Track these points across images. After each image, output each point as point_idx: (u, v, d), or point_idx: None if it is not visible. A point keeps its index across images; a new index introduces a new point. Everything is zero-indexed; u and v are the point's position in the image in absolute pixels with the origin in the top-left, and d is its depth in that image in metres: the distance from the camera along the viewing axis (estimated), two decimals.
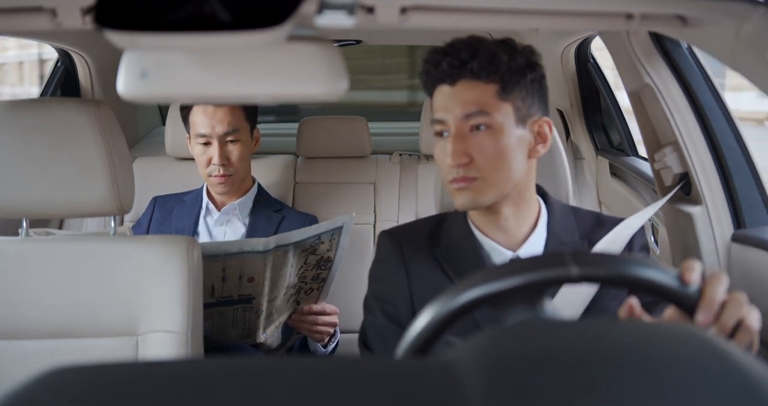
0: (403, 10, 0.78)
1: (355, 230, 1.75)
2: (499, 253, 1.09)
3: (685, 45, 1.38)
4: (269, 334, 1.59)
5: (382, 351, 1.09)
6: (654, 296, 0.66)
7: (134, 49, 0.62)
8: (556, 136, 1.15)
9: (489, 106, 1.01)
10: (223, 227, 1.84)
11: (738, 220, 1.34)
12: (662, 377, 0.33)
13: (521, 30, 2.05)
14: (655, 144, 1.45)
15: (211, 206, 1.85)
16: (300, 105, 3.07)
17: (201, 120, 1.74)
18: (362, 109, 2.60)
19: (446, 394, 0.33)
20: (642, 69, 1.37)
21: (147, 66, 0.62)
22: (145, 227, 1.88)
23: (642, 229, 1.15)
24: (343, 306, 1.73)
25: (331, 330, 1.68)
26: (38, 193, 1.19)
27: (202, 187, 1.89)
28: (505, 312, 0.66)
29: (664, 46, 1.37)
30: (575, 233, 1.11)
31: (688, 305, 0.66)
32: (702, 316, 0.65)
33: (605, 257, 0.67)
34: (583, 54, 2.11)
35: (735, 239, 1.32)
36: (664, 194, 1.42)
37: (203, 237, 1.83)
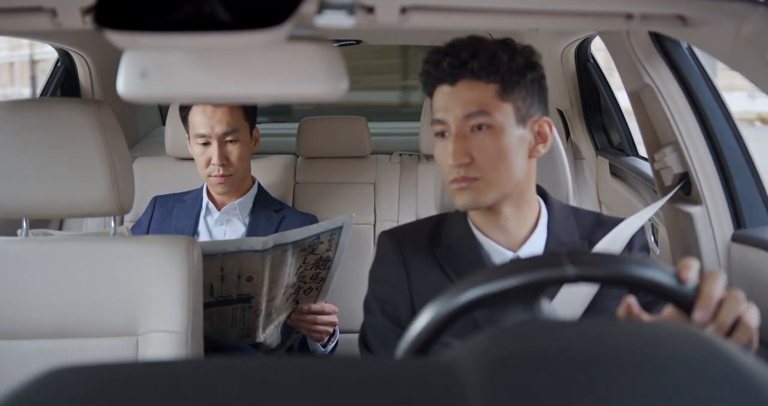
0: (403, 10, 0.78)
1: (355, 230, 1.75)
2: (499, 253, 1.09)
3: (685, 45, 1.38)
4: (269, 334, 1.59)
5: (382, 352, 1.09)
6: (651, 294, 0.66)
7: (134, 49, 0.62)
8: (556, 136, 1.15)
9: (490, 106, 1.01)
10: (224, 226, 1.84)
11: (738, 220, 1.34)
12: (662, 377, 0.33)
13: (521, 30, 2.05)
14: (655, 144, 1.45)
15: (211, 205, 1.85)
16: (293, 105, 3.07)
17: (200, 120, 1.74)
18: (357, 110, 2.60)
19: (446, 394, 0.33)
20: (642, 69, 1.37)
21: (147, 66, 0.62)
22: (145, 226, 1.88)
23: (642, 229, 1.15)
24: (343, 306, 1.73)
25: (330, 330, 1.68)
26: (38, 193, 1.19)
27: (202, 187, 1.89)
28: (502, 313, 0.66)
29: (664, 46, 1.37)
30: (575, 233, 1.11)
31: (686, 303, 0.66)
32: (699, 314, 0.65)
33: (601, 257, 0.67)
34: (583, 54, 2.11)
35: (735, 239, 1.32)
36: (664, 194, 1.42)
37: (203, 237, 1.83)
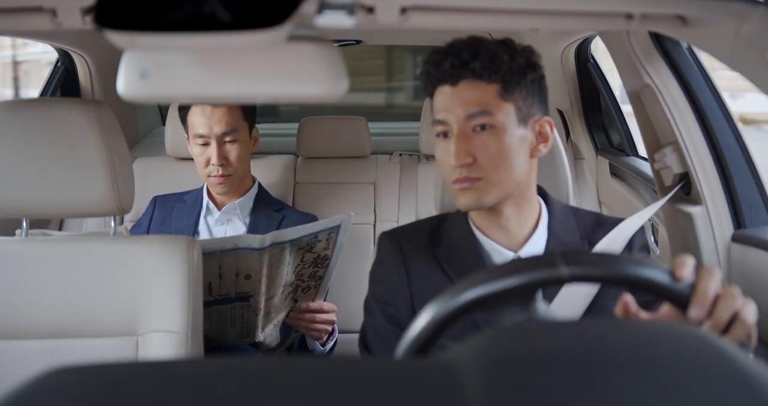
0: (403, 10, 0.78)
1: (355, 230, 1.75)
2: (499, 253, 1.09)
3: (685, 45, 1.38)
4: (268, 333, 1.59)
5: (382, 352, 1.09)
6: (647, 293, 0.66)
7: (134, 49, 0.62)
8: (556, 136, 1.15)
9: (491, 106, 1.01)
10: (224, 226, 1.84)
11: (738, 220, 1.34)
12: (662, 377, 0.33)
13: (521, 30, 2.05)
14: (655, 144, 1.45)
15: (211, 205, 1.85)
16: (280, 106, 3.08)
17: (199, 120, 1.74)
18: (344, 111, 2.60)
19: (446, 394, 0.33)
20: (642, 69, 1.37)
21: (147, 66, 0.62)
22: (145, 226, 1.88)
23: (642, 229, 1.15)
24: (343, 306, 1.73)
25: (329, 328, 1.68)
26: (38, 193, 1.19)
27: (203, 186, 1.89)
28: (499, 313, 0.66)
29: (664, 46, 1.37)
30: (575, 234, 1.11)
31: (681, 300, 0.66)
32: (695, 311, 0.65)
33: (596, 257, 0.67)
34: (583, 54, 2.11)
35: (735, 239, 1.32)
36: (664, 194, 1.42)
37: (204, 236, 1.83)
